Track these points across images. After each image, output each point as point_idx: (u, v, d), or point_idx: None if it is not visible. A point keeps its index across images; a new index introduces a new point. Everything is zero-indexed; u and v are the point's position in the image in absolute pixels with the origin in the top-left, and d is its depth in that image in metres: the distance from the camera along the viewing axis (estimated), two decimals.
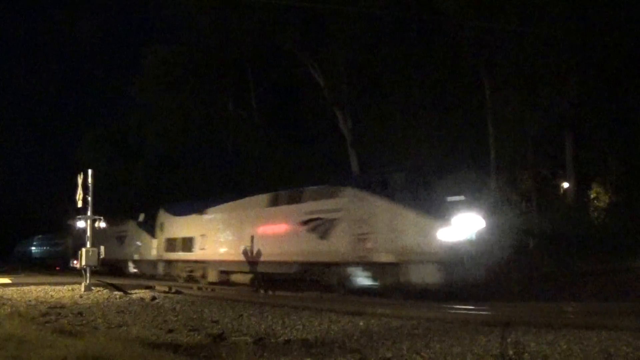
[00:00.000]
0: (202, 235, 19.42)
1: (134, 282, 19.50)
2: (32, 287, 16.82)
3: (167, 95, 31.38)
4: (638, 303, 9.27)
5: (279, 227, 16.03)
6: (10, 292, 15.46)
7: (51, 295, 14.89)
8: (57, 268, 35.13)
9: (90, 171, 17.60)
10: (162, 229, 22.19)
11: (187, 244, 20.17)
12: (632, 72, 18.39)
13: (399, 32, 23.21)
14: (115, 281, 19.15)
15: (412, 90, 23.19)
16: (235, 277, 18.03)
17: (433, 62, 22.38)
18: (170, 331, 8.60)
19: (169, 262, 21.59)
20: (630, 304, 9.67)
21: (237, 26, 25.49)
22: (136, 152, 38.03)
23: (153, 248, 22.75)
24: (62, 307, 12.14)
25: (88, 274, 16.97)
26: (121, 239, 26.01)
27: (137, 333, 8.46)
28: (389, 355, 6.46)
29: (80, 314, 10.97)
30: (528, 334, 7.19)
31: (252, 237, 16.79)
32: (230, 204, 18.66)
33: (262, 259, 16.34)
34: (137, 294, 15.61)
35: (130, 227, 25.50)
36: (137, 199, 36.41)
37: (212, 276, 18.88)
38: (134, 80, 32.67)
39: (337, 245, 13.76)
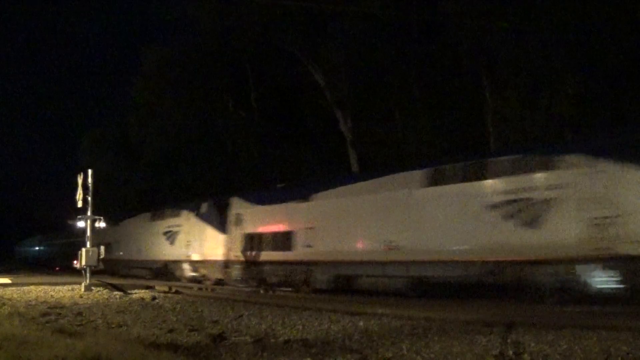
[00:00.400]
0: (308, 229, 15.17)
1: (134, 282, 19.49)
2: (32, 287, 16.85)
3: (167, 95, 31.41)
4: (638, 303, 9.26)
5: (447, 214, 12.02)
6: (10, 292, 15.49)
7: (51, 295, 14.90)
8: (57, 268, 35.12)
9: (90, 171, 17.63)
10: (238, 223, 17.91)
11: (281, 240, 16.00)
12: (632, 72, 18.38)
13: (399, 32, 23.21)
14: (118, 281, 19.16)
15: (412, 90, 23.21)
16: (365, 282, 13.93)
17: (433, 62, 22.37)
18: (170, 331, 8.60)
19: (249, 264, 17.33)
20: (630, 304, 9.65)
21: (236, 26, 25.51)
22: (136, 152, 38.06)
23: (222, 246, 18.60)
24: (62, 307, 12.15)
25: (88, 274, 16.99)
26: (171, 236, 21.65)
27: (137, 333, 8.46)
28: (389, 355, 6.46)
29: (80, 314, 10.97)
30: (528, 334, 7.19)
31: (399, 229, 12.85)
32: (358, 185, 14.52)
33: (417, 257, 12.44)
34: (137, 294, 15.62)
35: (187, 220, 20.94)
36: (137, 199, 36.49)
37: (322, 281, 14.84)
38: (134, 80, 32.76)
39: (556, 235, 10.19)
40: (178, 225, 21.33)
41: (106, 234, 26.23)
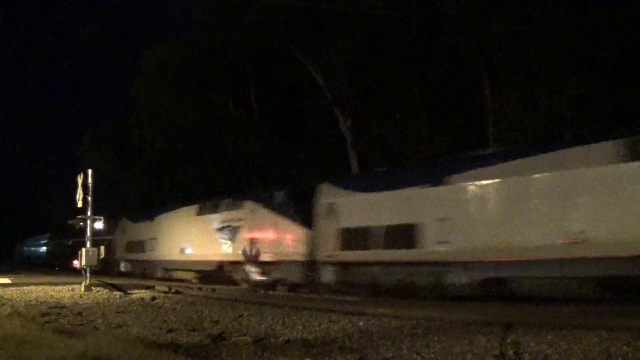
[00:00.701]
0: (443, 220, 12.33)
1: (134, 282, 19.49)
2: (32, 287, 16.88)
3: (167, 95, 31.43)
4: (637, 303, 9.26)
5: None
6: (10, 292, 15.51)
7: (51, 295, 14.93)
8: (57, 268, 35.11)
9: (90, 171, 17.67)
10: (330, 214, 14.90)
11: (400, 235, 13.09)
12: (632, 72, 18.39)
13: (399, 32, 23.21)
14: (117, 282, 19.16)
15: (412, 90, 23.20)
16: (528, 286, 11.19)
17: (433, 62, 22.37)
18: (170, 331, 8.60)
19: (348, 265, 14.40)
20: (629, 304, 9.65)
21: (237, 26, 25.51)
22: (136, 152, 38.08)
23: (304, 244, 15.62)
24: (62, 307, 12.16)
25: (88, 274, 17.01)
26: (229, 232, 18.49)
27: (137, 333, 8.48)
28: (389, 355, 6.46)
29: (80, 314, 10.99)
30: (528, 334, 7.19)
31: (587, 217, 10.24)
32: (517, 162, 11.63)
33: (619, 253, 9.81)
34: (137, 294, 15.63)
35: (252, 213, 17.79)
36: (137, 199, 36.49)
37: (463, 285, 11.96)
38: (134, 80, 32.76)
39: None
40: (239, 219, 18.14)
41: (139, 231, 25.32)
